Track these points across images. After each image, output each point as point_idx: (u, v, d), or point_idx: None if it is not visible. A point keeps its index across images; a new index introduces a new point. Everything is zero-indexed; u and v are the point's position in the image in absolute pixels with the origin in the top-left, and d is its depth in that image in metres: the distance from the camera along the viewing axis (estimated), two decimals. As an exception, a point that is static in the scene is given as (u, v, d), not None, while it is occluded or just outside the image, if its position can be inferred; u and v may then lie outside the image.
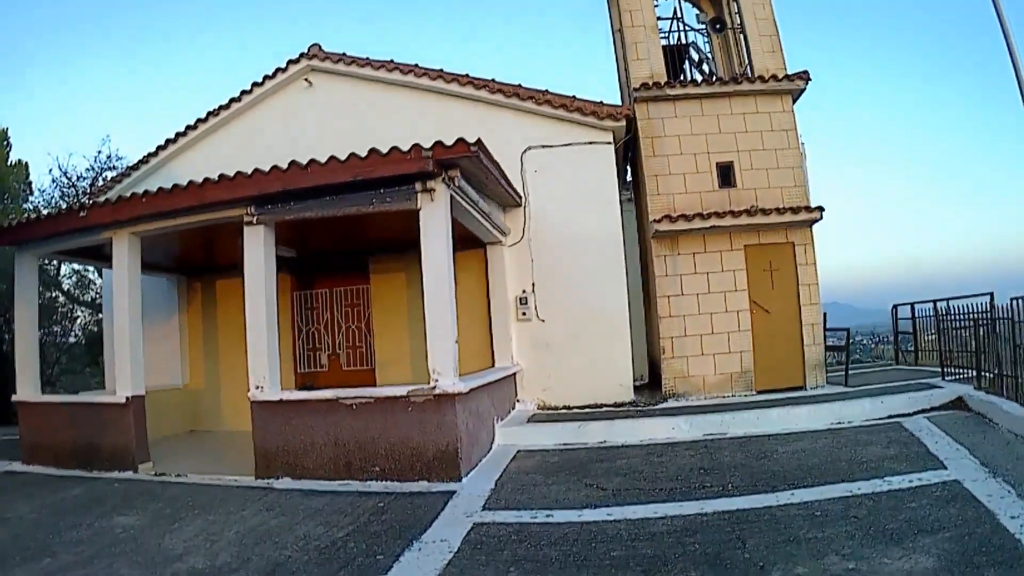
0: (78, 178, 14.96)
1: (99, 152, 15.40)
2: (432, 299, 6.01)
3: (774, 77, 8.89)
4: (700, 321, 8.55)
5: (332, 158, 5.97)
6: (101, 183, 12.31)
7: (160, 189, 6.58)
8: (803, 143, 8.91)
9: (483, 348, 8.52)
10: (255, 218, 6.39)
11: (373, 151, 5.88)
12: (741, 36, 9.52)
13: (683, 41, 10.39)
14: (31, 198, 14.83)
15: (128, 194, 6.84)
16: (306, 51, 9.29)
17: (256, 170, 6.22)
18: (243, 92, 9.41)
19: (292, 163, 6.10)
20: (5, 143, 15.06)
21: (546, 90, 8.98)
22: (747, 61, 9.34)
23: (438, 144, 5.79)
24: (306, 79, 9.25)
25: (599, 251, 8.51)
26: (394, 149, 5.83)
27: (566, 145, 8.67)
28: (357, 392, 6.17)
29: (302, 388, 6.27)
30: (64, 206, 13.75)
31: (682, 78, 9.84)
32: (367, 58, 9.24)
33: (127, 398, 6.93)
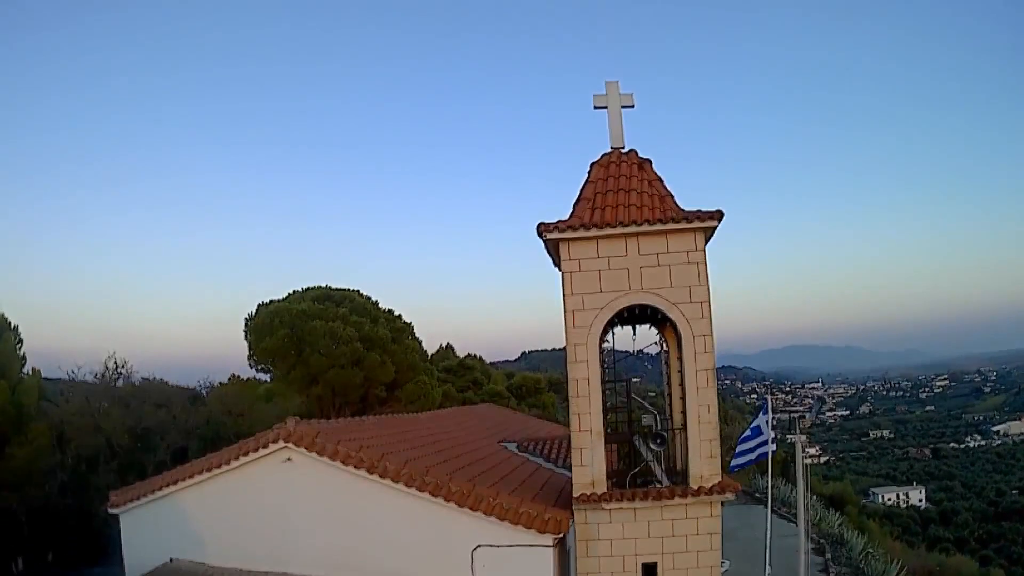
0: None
1: (106, 365, 17.55)
2: None
3: (702, 489, 10.53)
4: None
5: None
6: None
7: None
8: None
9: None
10: None
11: None
12: (684, 435, 10.94)
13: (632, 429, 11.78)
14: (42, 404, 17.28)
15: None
16: (284, 430, 11.19)
17: None
18: (232, 458, 11.50)
19: None
20: (17, 342, 17.13)
21: (498, 492, 10.84)
22: (684, 461, 10.88)
23: None
24: (288, 458, 11.25)
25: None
26: None
27: (510, 546, 10.74)
28: None
29: None
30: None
31: (617, 488, 11.39)
32: (337, 444, 11.12)
33: None
